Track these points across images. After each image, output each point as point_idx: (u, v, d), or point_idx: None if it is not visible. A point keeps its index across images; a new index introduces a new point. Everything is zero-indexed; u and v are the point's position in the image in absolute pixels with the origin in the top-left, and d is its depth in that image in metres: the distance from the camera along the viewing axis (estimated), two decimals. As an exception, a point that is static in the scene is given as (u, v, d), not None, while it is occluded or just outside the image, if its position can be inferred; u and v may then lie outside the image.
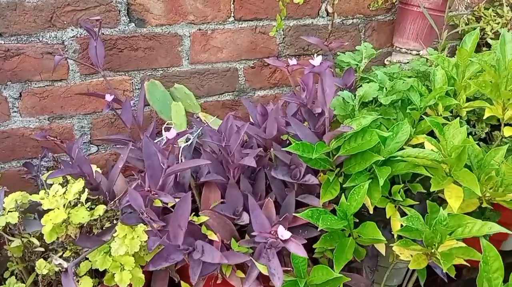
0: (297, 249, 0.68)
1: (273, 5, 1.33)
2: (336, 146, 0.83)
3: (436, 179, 0.76)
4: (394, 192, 0.82)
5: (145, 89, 1.15)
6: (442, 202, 0.85)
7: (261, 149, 0.94)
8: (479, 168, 0.80)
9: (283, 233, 0.68)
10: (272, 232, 0.70)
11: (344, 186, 0.83)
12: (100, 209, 0.82)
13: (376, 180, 0.81)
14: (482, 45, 1.65)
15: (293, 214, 0.83)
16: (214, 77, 1.37)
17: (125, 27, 1.20)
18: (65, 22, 1.13)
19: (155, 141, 1.03)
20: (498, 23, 1.58)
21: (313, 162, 0.84)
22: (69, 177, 0.96)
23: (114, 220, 0.86)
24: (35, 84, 1.16)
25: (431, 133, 0.94)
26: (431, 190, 0.74)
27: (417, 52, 1.48)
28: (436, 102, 0.90)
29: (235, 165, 0.92)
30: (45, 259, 0.81)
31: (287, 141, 1.00)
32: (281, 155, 0.92)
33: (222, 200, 0.97)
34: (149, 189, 0.75)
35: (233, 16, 1.31)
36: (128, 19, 1.19)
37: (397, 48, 1.52)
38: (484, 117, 0.87)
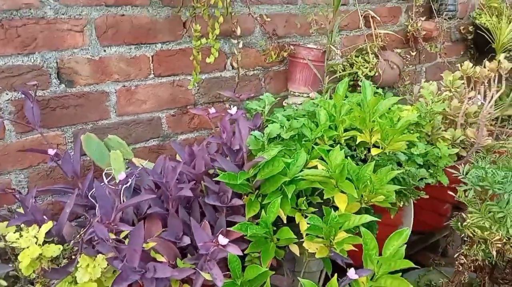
0: (234, 250, 0.90)
1: (187, 63, 1.57)
2: (254, 173, 1.08)
3: (328, 190, 1.04)
4: (300, 203, 1.09)
5: (81, 141, 1.30)
6: (335, 209, 1.14)
7: (194, 182, 1.15)
8: (357, 180, 1.10)
9: (222, 240, 0.90)
10: (214, 241, 0.91)
11: (263, 203, 1.07)
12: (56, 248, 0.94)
13: (286, 196, 1.07)
14: (357, 85, 2.06)
15: (227, 228, 1.05)
16: (140, 126, 1.55)
17: (56, 88, 1.35)
18: (0, 87, 1.25)
19: (99, 185, 1.18)
20: (366, 68, 2.00)
21: (237, 187, 1.08)
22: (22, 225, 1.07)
23: (72, 257, 0.99)
24: (-26, 145, 1.24)
25: (322, 158, 1.24)
26: (325, 197, 1.02)
27: (307, 95, 1.82)
28: (322, 134, 1.20)
29: (174, 197, 1.11)
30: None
31: (214, 174, 1.22)
32: (211, 185, 1.13)
33: (163, 229, 1.15)
34: (108, 222, 0.91)
35: (153, 73, 1.53)
36: (59, 81, 1.35)
37: (292, 92, 1.85)
38: (357, 143, 1.19)
